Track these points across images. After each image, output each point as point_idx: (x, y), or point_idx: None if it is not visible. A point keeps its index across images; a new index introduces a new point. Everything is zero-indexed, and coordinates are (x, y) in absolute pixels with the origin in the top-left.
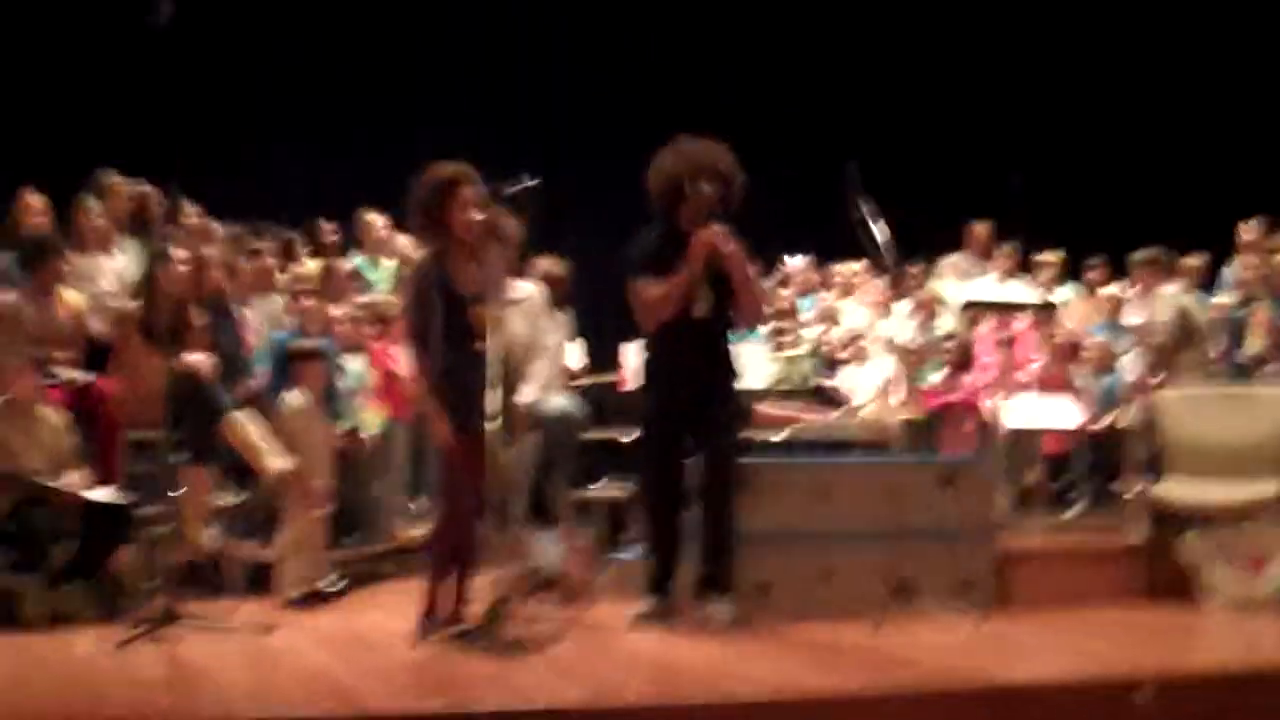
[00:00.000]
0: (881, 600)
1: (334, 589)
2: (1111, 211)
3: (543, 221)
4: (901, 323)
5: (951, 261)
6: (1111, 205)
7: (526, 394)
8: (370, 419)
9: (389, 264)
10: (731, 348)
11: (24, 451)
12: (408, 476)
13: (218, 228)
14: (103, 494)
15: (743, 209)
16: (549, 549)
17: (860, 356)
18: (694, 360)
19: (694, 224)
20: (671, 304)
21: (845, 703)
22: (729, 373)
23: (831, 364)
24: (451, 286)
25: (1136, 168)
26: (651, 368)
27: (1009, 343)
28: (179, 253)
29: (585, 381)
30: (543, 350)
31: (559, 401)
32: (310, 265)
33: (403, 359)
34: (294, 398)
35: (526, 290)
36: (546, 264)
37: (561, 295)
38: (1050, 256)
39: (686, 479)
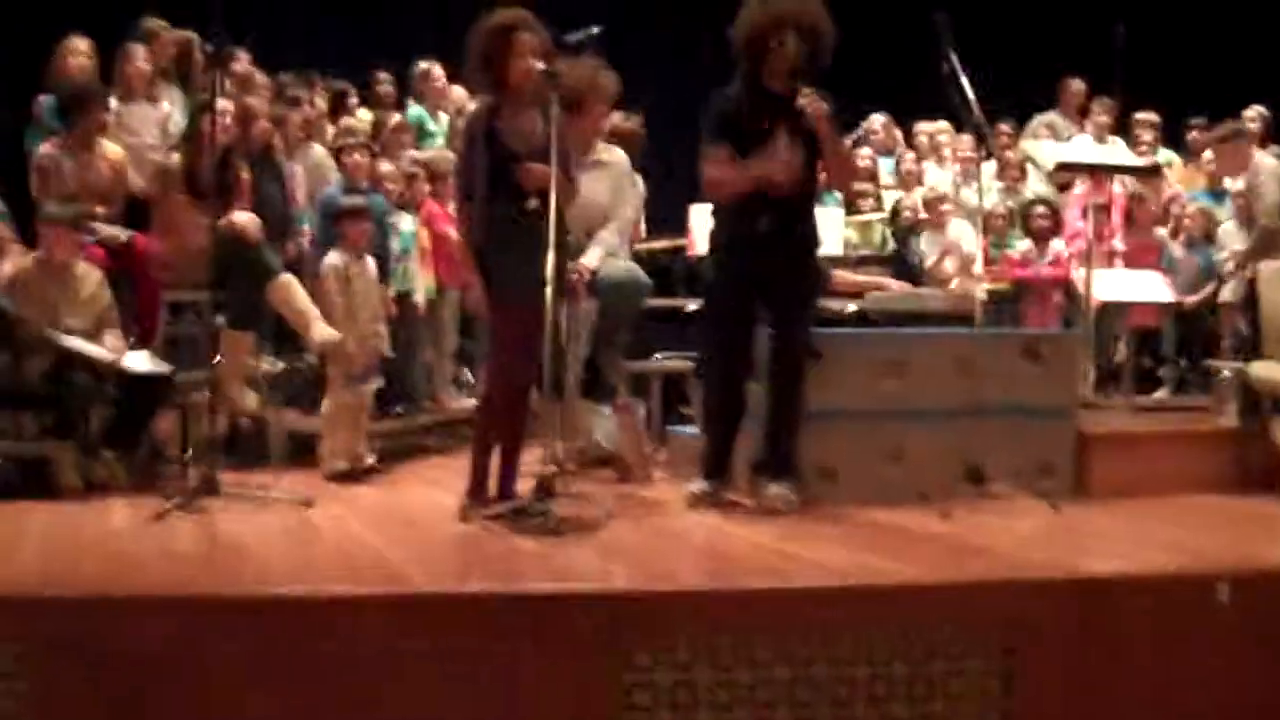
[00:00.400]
0: (954, 484)
1: (373, 464)
2: (1216, 68)
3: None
4: (987, 185)
5: (1045, 120)
6: (1215, 61)
7: (588, 259)
8: (421, 282)
9: (447, 118)
10: (811, 211)
11: (62, 312)
12: (458, 345)
13: (265, 77)
14: (141, 360)
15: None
16: (603, 424)
17: (942, 221)
18: (770, 224)
19: (779, 81)
20: (737, 195)
21: (912, 591)
22: (809, 241)
23: (911, 229)
24: (500, 139)
25: (1243, 20)
26: (720, 232)
27: (1103, 209)
28: (225, 103)
29: (648, 246)
30: (619, 217)
31: (620, 267)
32: (362, 117)
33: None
34: (338, 258)
35: (615, 154)
36: (617, 119)
37: (634, 154)
38: (1150, 116)
39: (753, 351)
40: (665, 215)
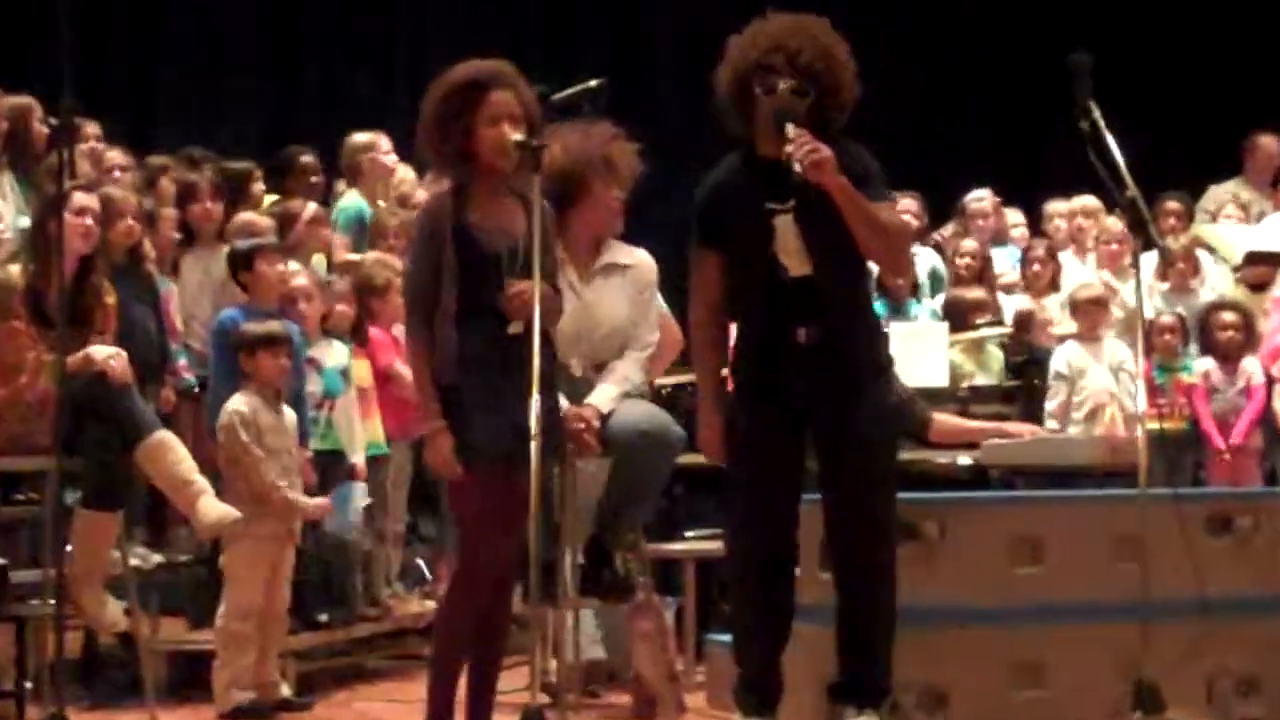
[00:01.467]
0: (1118, 713)
1: (289, 697)
2: None
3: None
4: (1148, 285)
5: (1225, 192)
6: None
7: (598, 399)
8: (359, 437)
9: (396, 211)
10: (870, 319)
11: None
12: (410, 524)
13: (127, 158)
14: None
15: (860, 121)
16: (613, 632)
17: (1095, 335)
18: (812, 337)
19: (769, 136)
20: (703, 358)
21: None
22: (874, 358)
23: (1042, 348)
24: (473, 236)
25: None
26: (743, 353)
27: None
28: (84, 197)
29: (676, 379)
30: (641, 341)
31: (641, 411)
32: (269, 206)
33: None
34: (246, 403)
35: (637, 256)
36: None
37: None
38: None
39: (795, 526)
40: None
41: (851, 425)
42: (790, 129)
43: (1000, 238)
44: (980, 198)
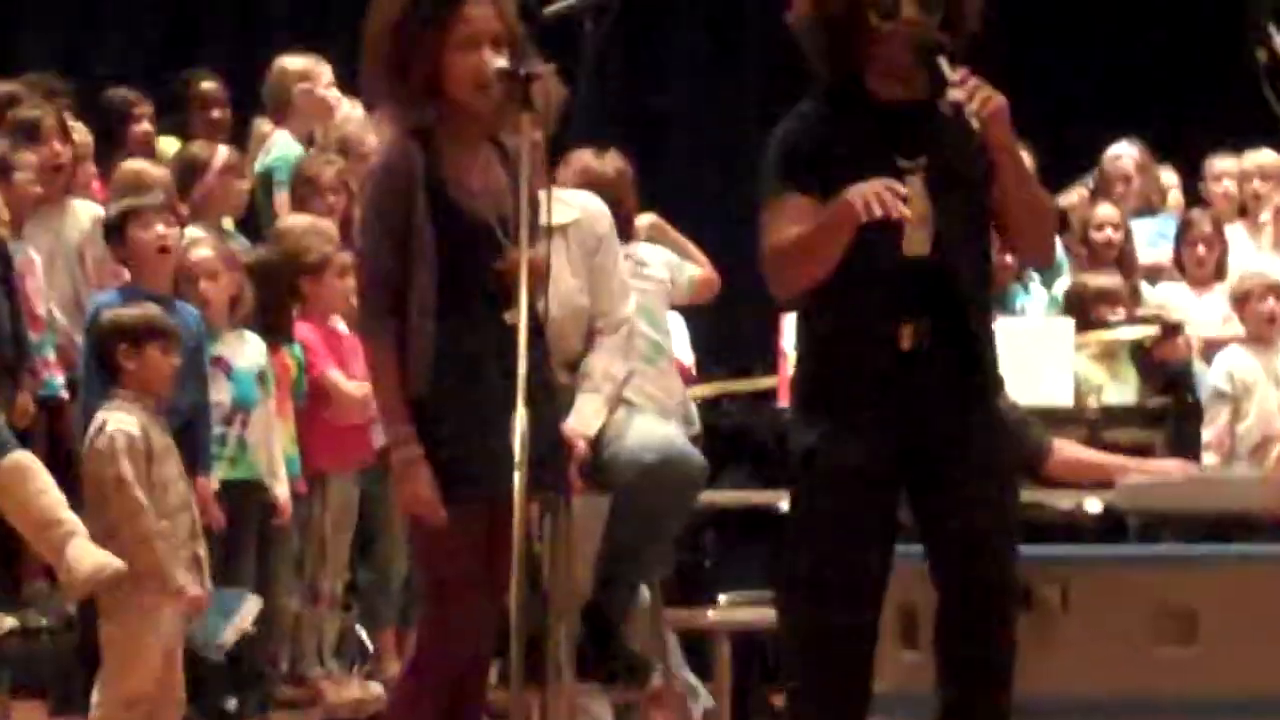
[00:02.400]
0: None
1: None
2: None
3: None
4: None
5: None
6: None
7: (578, 421)
8: (276, 462)
9: (333, 159)
10: (989, 320)
11: None
12: (349, 577)
13: None
14: None
15: (992, 53)
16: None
17: (1259, 340)
18: (917, 340)
19: (894, 79)
20: (825, 258)
21: None
22: (988, 375)
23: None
24: (453, 200)
25: None
26: (817, 362)
27: None
28: None
29: (701, 391)
30: (612, 319)
31: (645, 431)
32: (164, 152)
33: (349, 346)
34: (126, 417)
35: (575, 205)
36: (588, 159)
37: (624, 213)
38: None
39: (884, 593)
40: (730, 332)
41: (970, 464)
42: (947, 68)
43: (1149, 205)
44: (1121, 154)
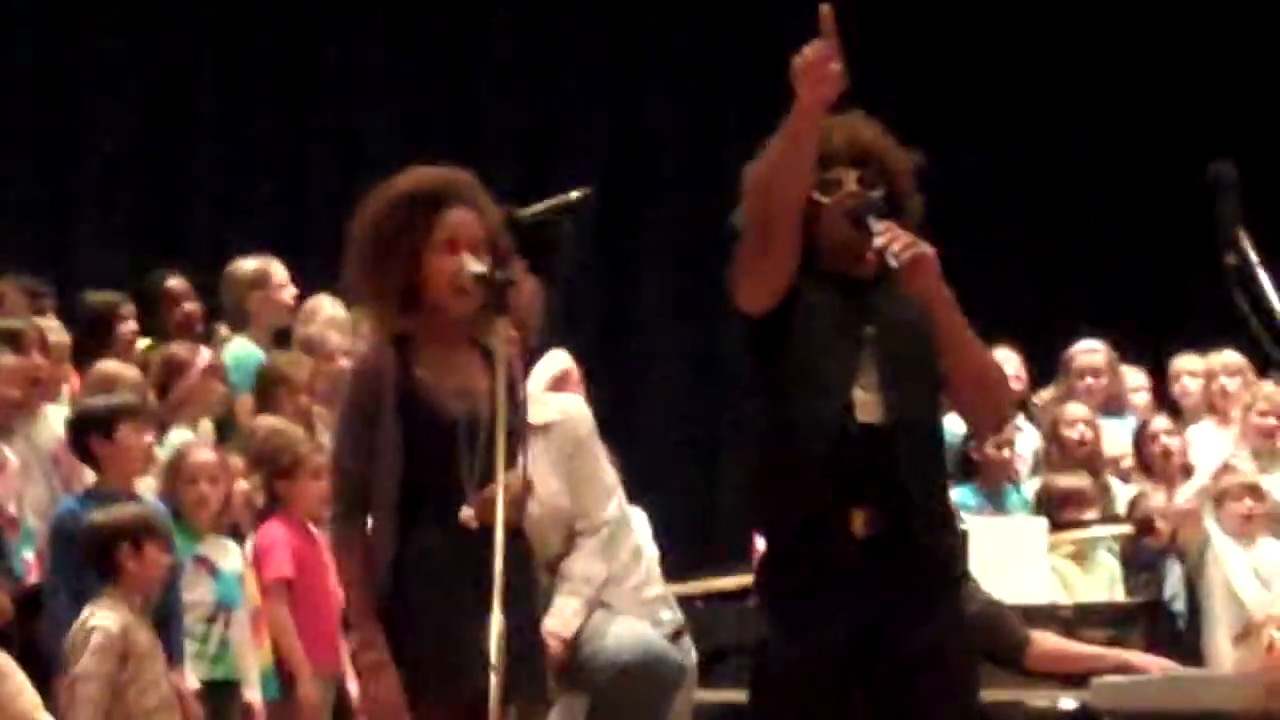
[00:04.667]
0: None
1: None
2: None
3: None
4: None
5: None
6: None
7: (554, 621)
8: (255, 667)
9: (301, 359)
10: (948, 498)
11: None
12: None
13: None
14: None
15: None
16: None
17: (1247, 531)
18: (873, 526)
19: (835, 249)
20: (796, 172)
21: None
22: (952, 564)
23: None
24: (422, 400)
25: None
26: (767, 555)
27: None
28: None
29: (684, 589)
30: (592, 521)
31: (624, 633)
32: (140, 349)
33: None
34: (109, 618)
35: (556, 407)
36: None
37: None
38: None
39: None
40: (711, 530)
41: (933, 663)
42: (875, 223)
43: (1115, 405)
44: (1091, 349)
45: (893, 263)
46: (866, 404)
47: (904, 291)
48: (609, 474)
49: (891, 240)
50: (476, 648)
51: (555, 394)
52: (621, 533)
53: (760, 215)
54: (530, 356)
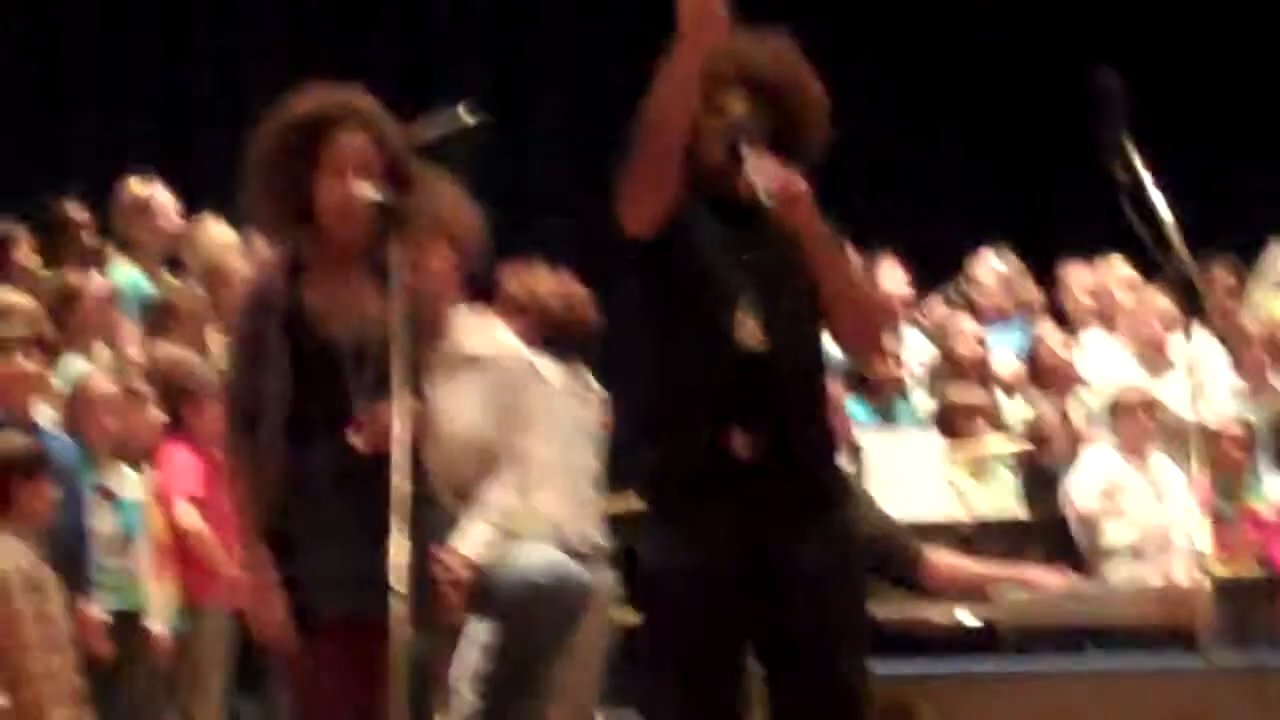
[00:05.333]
0: None
1: None
2: None
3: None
4: (1202, 380)
5: None
6: None
7: (465, 543)
8: (158, 598)
9: (183, 284)
10: (828, 419)
11: None
12: (232, 711)
13: None
14: None
15: (832, 165)
16: None
17: (1138, 448)
18: (754, 447)
19: (717, 172)
20: (676, 99)
21: None
22: (832, 483)
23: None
24: (309, 323)
25: None
26: (656, 468)
27: None
28: None
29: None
30: (512, 456)
31: (530, 558)
32: (37, 276)
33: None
34: (10, 551)
35: (495, 343)
36: (517, 281)
37: (566, 336)
38: None
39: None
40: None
41: (804, 567)
42: (746, 151)
43: (1001, 314)
44: (987, 261)
45: (764, 199)
46: (747, 327)
47: (775, 224)
48: (544, 414)
49: (761, 174)
50: (365, 569)
51: (489, 323)
52: (549, 472)
53: (643, 142)
54: (472, 280)
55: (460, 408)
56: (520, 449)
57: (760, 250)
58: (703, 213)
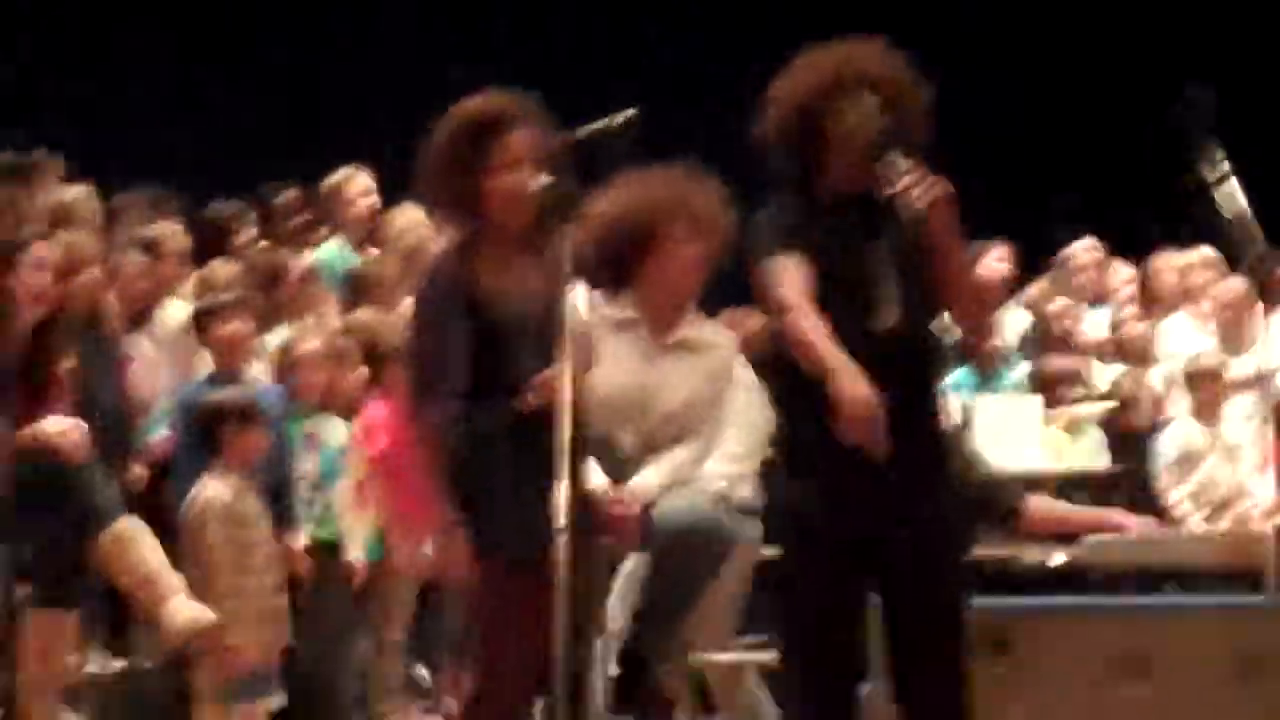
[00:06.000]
0: None
1: None
2: None
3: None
4: (1275, 357)
5: None
6: None
7: (640, 484)
8: (358, 530)
9: (382, 259)
10: (941, 394)
11: None
12: (415, 634)
13: (92, 200)
14: None
15: (935, 153)
16: None
17: (1213, 412)
18: (890, 400)
19: (852, 174)
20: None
21: None
22: (943, 442)
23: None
24: (483, 301)
25: None
26: (793, 432)
27: None
28: (40, 246)
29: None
30: (709, 431)
31: (685, 503)
32: (251, 253)
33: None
34: (219, 488)
35: (717, 336)
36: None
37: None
38: None
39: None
40: None
41: (921, 514)
42: (898, 160)
43: (1102, 297)
44: (1084, 248)
45: (915, 205)
46: (887, 309)
47: (919, 228)
48: (743, 406)
49: (913, 182)
50: (537, 513)
51: (717, 325)
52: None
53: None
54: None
55: (675, 384)
56: (713, 432)
57: (889, 239)
58: (830, 211)
